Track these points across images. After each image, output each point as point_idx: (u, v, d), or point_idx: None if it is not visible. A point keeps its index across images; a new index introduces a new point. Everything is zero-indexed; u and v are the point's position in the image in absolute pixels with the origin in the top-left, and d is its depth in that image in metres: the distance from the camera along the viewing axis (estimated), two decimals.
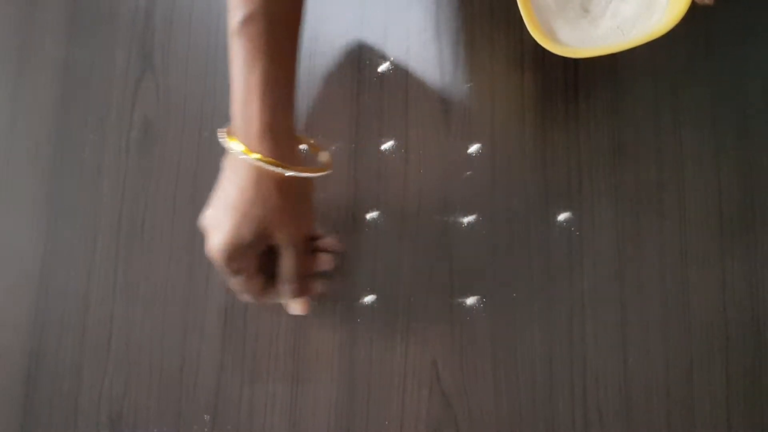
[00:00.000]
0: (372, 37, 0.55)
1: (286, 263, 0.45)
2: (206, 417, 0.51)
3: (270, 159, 0.42)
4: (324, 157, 0.49)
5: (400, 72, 0.55)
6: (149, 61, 0.57)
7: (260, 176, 0.43)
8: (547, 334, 0.50)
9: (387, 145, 0.54)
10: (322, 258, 0.49)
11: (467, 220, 0.52)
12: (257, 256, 0.45)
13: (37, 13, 0.59)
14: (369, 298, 0.51)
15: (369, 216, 0.53)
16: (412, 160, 0.53)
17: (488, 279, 0.51)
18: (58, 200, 0.56)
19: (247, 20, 0.42)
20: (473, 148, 0.53)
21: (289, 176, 0.43)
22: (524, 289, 0.51)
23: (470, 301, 0.51)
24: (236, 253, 0.43)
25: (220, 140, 0.44)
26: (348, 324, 0.51)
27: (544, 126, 0.53)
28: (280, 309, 0.52)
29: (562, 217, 0.52)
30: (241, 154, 0.42)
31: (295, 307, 0.49)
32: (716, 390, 0.49)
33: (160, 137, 0.56)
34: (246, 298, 0.47)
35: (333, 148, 0.54)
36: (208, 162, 0.55)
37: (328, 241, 0.50)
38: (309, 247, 0.47)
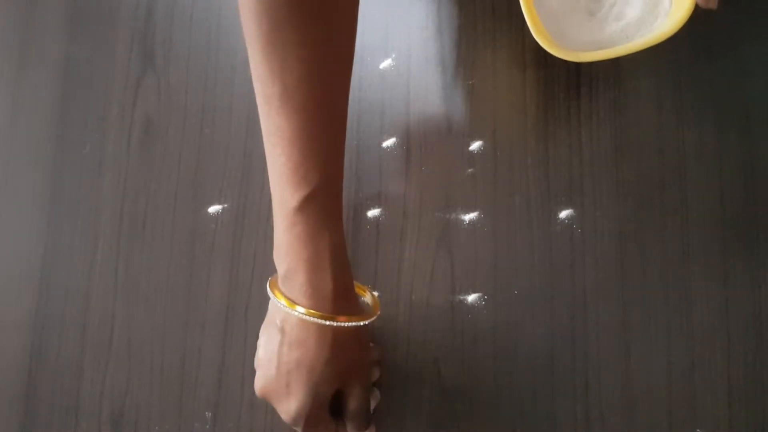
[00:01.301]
0: (373, 34, 0.55)
1: (355, 404, 0.45)
2: (208, 414, 0.51)
3: (349, 318, 0.43)
4: (369, 297, 0.49)
5: (401, 69, 0.55)
6: (150, 59, 0.57)
7: (336, 334, 0.42)
8: (548, 332, 0.50)
9: (388, 143, 0.54)
10: (374, 371, 0.49)
11: (469, 217, 0.52)
12: (330, 406, 0.45)
13: (38, 12, 0.59)
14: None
15: (370, 213, 0.53)
16: (414, 158, 0.53)
17: (490, 276, 0.51)
18: (59, 198, 0.56)
19: (309, 198, 0.41)
20: (475, 146, 0.53)
21: (361, 326, 0.44)
22: (526, 287, 0.51)
23: (471, 298, 0.51)
24: (317, 414, 0.43)
25: (284, 309, 0.43)
26: None
27: (546, 123, 0.53)
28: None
29: (564, 214, 0.52)
30: (320, 320, 0.42)
31: None
32: (718, 388, 0.49)
33: (162, 135, 0.56)
34: None
35: None
36: (210, 159, 0.55)
37: (374, 355, 0.49)
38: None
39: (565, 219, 0.51)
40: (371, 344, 0.49)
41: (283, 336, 0.43)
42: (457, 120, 0.53)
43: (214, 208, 0.54)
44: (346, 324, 0.42)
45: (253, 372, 0.51)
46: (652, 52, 0.53)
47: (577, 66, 0.53)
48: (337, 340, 0.43)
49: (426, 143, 0.53)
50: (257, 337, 0.51)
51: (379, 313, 0.46)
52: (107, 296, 0.53)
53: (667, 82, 0.53)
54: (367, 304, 0.49)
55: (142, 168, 0.55)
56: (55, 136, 0.57)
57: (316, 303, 0.42)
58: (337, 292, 0.43)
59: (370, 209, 0.53)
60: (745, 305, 0.49)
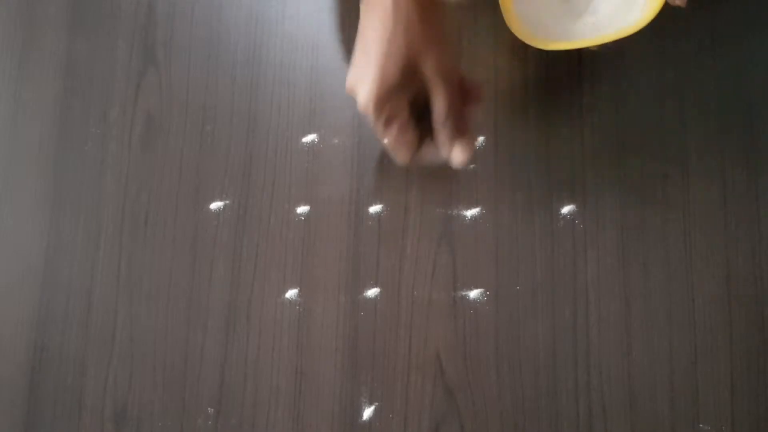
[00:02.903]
0: None
1: (440, 99, 0.43)
2: (210, 410, 0.51)
3: None
4: None
5: None
6: (151, 56, 0.57)
7: (397, 7, 0.41)
8: (550, 327, 0.50)
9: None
10: (470, 92, 0.45)
11: (470, 213, 0.52)
12: (408, 102, 0.43)
13: (39, 8, 0.59)
14: (372, 292, 0.51)
15: (372, 209, 0.53)
16: None
17: (492, 272, 0.51)
18: (62, 195, 0.56)
19: None
20: (477, 141, 0.53)
21: (425, 1, 0.41)
22: (528, 282, 0.51)
23: (473, 294, 0.51)
24: (386, 96, 0.42)
25: None
26: (351, 317, 0.51)
27: (548, 119, 0.53)
28: (283, 303, 0.52)
29: (566, 209, 0.51)
30: None
31: (458, 152, 0.44)
32: (720, 383, 0.49)
33: (163, 131, 0.56)
34: (403, 155, 0.45)
35: (335, 141, 0.54)
36: (211, 155, 0.55)
37: (469, 79, 0.46)
38: (458, 82, 0.44)
39: (567, 214, 0.51)
40: (474, 81, 0.46)
41: (360, 23, 0.43)
42: None
43: (215, 205, 0.54)
44: None
45: (254, 369, 0.51)
46: (655, 45, 0.52)
47: (579, 60, 0.53)
48: (400, 10, 0.41)
49: None
50: (259, 333, 0.52)
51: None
52: (110, 293, 0.54)
53: (669, 75, 0.53)
54: None
55: (144, 165, 0.55)
56: (56, 134, 0.57)
57: None
58: None
59: (371, 205, 0.53)
60: (748, 300, 0.49)
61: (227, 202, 0.54)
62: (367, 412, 0.50)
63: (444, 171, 0.53)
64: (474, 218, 0.52)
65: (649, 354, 0.49)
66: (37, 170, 0.56)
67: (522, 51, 0.54)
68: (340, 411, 0.50)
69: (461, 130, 0.44)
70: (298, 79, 0.55)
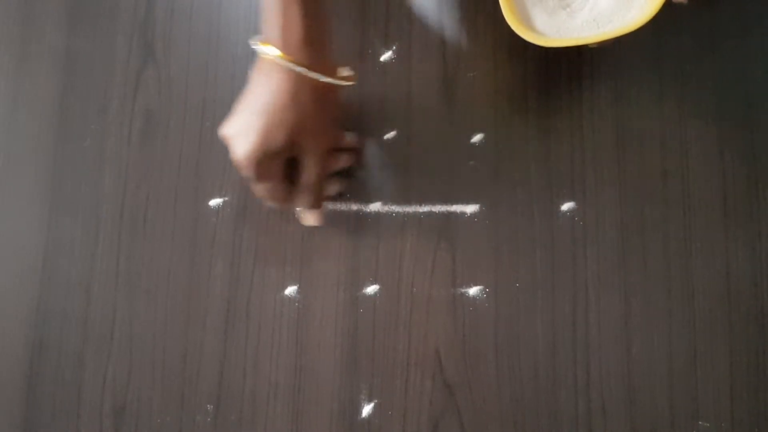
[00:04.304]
0: (374, 27, 0.55)
1: (308, 172, 0.46)
2: (209, 407, 0.51)
3: (310, 65, 0.43)
4: (347, 71, 0.48)
5: (402, 61, 0.54)
6: (151, 52, 0.57)
7: (297, 83, 0.43)
8: (550, 324, 0.50)
9: (389, 135, 0.53)
10: (342, 156, 0.50)
11: (470, 209, 0.52)
12: (283, 163, 0.46)
13: (39, 4, 0.59)
14: (372, 288, 0.51)
15: (372, 207, 0.53)
16: (415, 150, 0.53)
17: (491, 269, 0.51)
18: (60, 191, 0.55)
19: None
20: (476, 138, 0.53)
21: (323, 84, 0.44)
22: (527, 279, 0.51)
23: (473, 291, 0.51)
24: (265, 158, 0.44)
25: (253, 47, 0.44)
26: (350, 314, 0.51)
27: (548, 115, 0.53)
28: (283, 299, 0.52)
29: (566, 206, 0.51)
30: (280, 60, 0.42)
31: (309, 218, 0.50)
32: (720, 379, 0.49)
33: (162, 127, 0.55)
34: (276, 206, 0.50)
35: None
36: (210, 152, 0.54)
37: (348, 140, 0.51)
38: (329, 154, 0.48)
39: (566, 211, 0.51)
40: (349, 132, 0.50)
41: (251, 80, 0.45)
42: (458, 112, 0.53)
43: (214, 201, 0.54)
44: (307, 72, 0.42)
45: (253, 365, 0.51)
46: (654, 42, 0.52)
47: (579, 57, 0.53)
48: (298, 89, 0.43)
49: (427, 136, 0.53)
50: (259, 329, 0.52)
51: (351, 82, 0.46)
52: (108, 289, 0.53)
53: (669, 72, 0.53)
54: (345, 74, 0.48)
55: (143, 161, 0.55)
56: (55, 129, 0.56)
57: (282, 45, 0.42)
58: (305, 36, 0.42)
59: (371, 202, 0.53)
60: (747, 296, 0.49)
61: (226, 198, 0.54)
62: (367, 409, 0.50)
63: (444, 169, 0.53)
64: (473, 215, 0.52)
65: (649, 351, 0.49)
66: (36, 166, 0.56)
67: (521, 48, 0.53)
68: (339, 407, 0.50)
69: (319, 200, 0.48)
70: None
